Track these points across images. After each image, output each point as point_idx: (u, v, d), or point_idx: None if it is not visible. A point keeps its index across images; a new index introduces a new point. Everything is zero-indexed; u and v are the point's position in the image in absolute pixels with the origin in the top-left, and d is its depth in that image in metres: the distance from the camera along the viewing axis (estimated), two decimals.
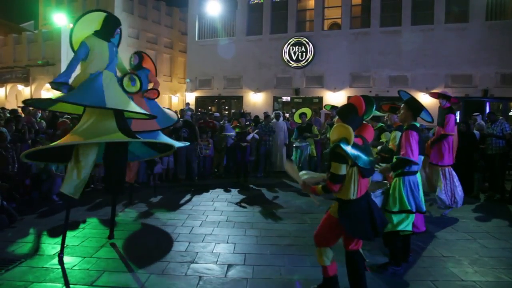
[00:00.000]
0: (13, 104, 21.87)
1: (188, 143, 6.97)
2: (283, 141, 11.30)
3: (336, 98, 17.92)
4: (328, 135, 9.17)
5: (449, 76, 17.00)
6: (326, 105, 9.71)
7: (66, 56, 19.97)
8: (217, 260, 4.59)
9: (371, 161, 3.26)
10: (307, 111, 9.78)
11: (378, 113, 7.03)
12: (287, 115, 16.50)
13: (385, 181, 4.46)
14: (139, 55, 5.76)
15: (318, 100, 19.46)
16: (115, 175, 4.76)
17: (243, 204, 7.45)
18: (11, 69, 22.66)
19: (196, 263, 4.51)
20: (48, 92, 21.28)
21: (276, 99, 20.55)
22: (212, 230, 5.73)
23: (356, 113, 3.30)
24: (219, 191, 8.60)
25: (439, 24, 17.20)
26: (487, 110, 16.11)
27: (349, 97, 18.55)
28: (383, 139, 6.55)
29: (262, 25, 20.43)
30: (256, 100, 20.47)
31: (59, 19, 22.88)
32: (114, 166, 4.74)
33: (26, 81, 21.94)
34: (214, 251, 4.90)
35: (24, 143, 7.80)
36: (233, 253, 4.85)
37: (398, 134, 4.91)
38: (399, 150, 4.14)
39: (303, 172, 3.81)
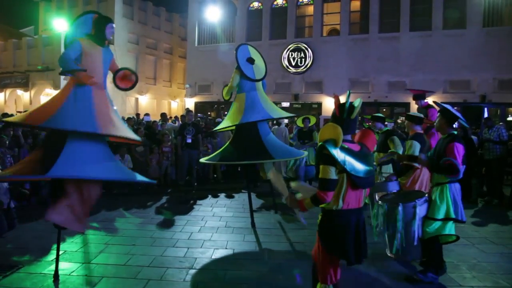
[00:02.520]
0: (12, 109, 21.88)
1: None
2: None
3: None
4: None
5: (448, 81, 17.07)
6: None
7: None
8: (215, 266, 4.59)
9: (367, 170, 2.86)
10: (312, 117, 9.74)
11: (380, 114, 7.00)
12: (286, 120, 16.53)
13: (423, 191, 4.40)
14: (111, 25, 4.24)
15: (317, 106, 19.53)
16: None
17: (242, 210, 7.46)
18: (11, 74, 22.68)
19: (195, 269, 4.51)
20: (47, 97, 21.31)
21: (275, 104, 20.57)
22: (211, 236, 5.74)
23: (334, 115, 3.02)
24: (218, 197, 8.61)
25: (437, 30, 17.31)
26: (485, 115, 16.19)
27: None
28: (391, 146, 6.26)
29: (261, 31, 20.54)
30: None
31: (59, 25, 22.94)
32: None
33: (25, 86, 21.95)
34: (212, 257, 4.90)
35: (22, 148, 7.81)
36: (232, 258, 4.85)
37: (416, 144, 4.84)
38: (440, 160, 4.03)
39: (294, 183, 3.31)
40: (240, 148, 6.10)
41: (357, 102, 3.00)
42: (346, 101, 2.99)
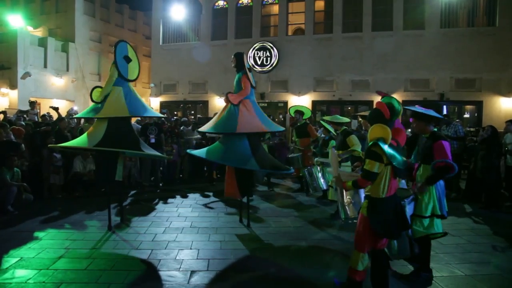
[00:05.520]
0: None
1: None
2: None
3: (300, 102, 18.17)
4: (294, 139, 9.24)
5: (408, 80, 17.65)
6: (291, 107, 9.79)
7: (22, 59, 19.08)
8: (180, 267, 4.53)
9: (404, 162, 3.43)
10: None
11: (341, 118, 7.11)
12: None
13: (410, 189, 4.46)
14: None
15: (283, 105, 19.67)
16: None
17: (207, 210, 7.41)
18: None
19: (159, 270, 4.43)
20: (4, 97, 20.30)
21: None
22: (175, 237, 5.66)
23: (383, 117, 3.45)
24: (183, 197, 8.50)
25: (398, 30, 17.86)
26: (444, 112, 16.88)
27: (313, 101, 18.92)
28: (350, 144, 6.47)
29: (227, 29, 20.45)
30: (221, 105, 20.33)
31: (15, 21, 21.90)
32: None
33: None
34: (177, 257, 4.84)
35: None
36: (197, 259, 4.81)
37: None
38: (426, 159, 4.14)
39: (342, 172, 3.98)
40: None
41: (399, 106, 3.58)
42: (397, 106, 3.53)
